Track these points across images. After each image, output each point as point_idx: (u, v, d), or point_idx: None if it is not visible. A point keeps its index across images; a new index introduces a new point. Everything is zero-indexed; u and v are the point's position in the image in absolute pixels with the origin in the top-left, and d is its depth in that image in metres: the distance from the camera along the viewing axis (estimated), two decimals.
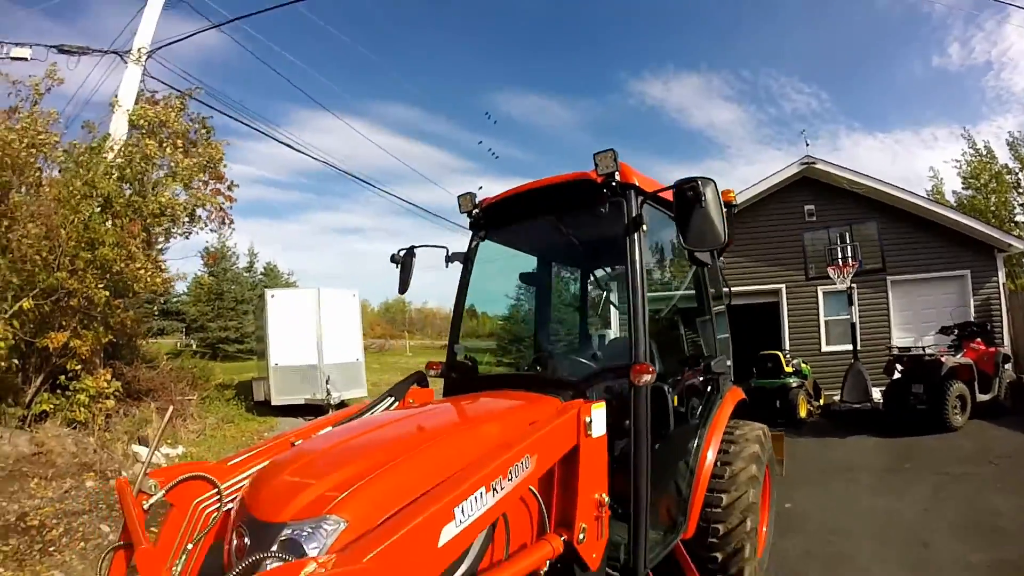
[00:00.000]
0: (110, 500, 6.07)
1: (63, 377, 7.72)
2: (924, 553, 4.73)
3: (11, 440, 6.65)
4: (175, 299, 22.27)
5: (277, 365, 12.51)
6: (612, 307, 5.79)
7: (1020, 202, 23.07)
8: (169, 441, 8.57)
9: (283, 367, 12.51)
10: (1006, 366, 10.20)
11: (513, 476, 2.16)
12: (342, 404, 11.13)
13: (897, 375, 9.76)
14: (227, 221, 10.45)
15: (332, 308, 13.11)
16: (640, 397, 2.83)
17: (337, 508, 2.02)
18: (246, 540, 2.06)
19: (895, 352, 10.26)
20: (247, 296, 29.22)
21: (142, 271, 8.16)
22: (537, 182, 3.47)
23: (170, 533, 2.37)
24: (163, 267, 9.22)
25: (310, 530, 1.97)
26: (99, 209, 7.83)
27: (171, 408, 3.75)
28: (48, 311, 7.28)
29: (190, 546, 2.44)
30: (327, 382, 11.85)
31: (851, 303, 10.96)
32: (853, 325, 10.89)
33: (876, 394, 10.48)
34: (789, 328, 12.99)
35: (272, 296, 13.08)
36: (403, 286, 3.96)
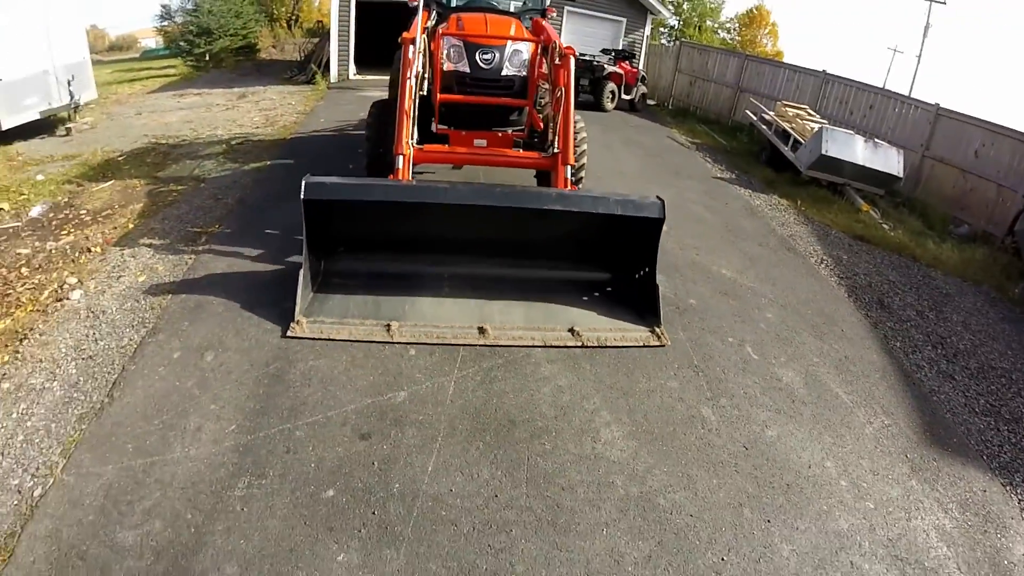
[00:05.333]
0: None
1: None
2: (611, 152, 9.72)
3: None
4: None
5: (2, 80, 11.05)
6: None
7: None
8: None
9: (8, 82, 11.13)
10: (641, 83, 15.39)
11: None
12: (77, 109, 10.66)
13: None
14: None
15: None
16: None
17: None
18: (492, 53, 4.77)
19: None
20: None
21: None
22: None
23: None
24: None
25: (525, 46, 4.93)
26: None
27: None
28: None
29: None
30: (69, 84, 10.71)
31: None
32: None
33: None
34: None
35: None
36: None
